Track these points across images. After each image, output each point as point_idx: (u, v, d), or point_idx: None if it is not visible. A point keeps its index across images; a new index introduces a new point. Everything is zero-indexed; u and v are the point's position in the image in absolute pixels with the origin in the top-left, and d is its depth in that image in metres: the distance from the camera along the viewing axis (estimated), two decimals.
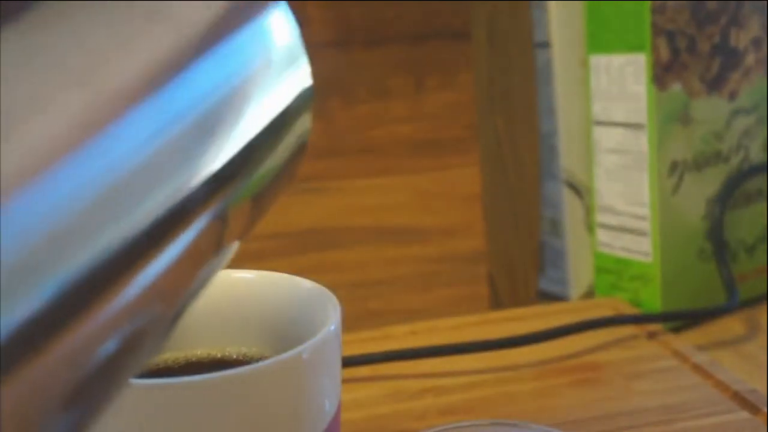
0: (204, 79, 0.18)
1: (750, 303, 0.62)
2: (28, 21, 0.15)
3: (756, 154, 0.63)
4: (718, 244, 0.60)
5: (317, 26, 0.66)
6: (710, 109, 0.60)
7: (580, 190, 0.65)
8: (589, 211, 0.65)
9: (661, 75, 0.58)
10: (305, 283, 0.35)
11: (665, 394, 0.47)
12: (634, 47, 0.58)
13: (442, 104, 0.69)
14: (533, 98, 0.66)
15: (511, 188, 0.70)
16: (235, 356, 0.35)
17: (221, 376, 0.28)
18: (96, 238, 0.14)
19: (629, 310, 0.60)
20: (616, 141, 0.61)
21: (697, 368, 0.50)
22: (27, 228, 0.13)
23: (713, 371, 0.49)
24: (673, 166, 0.59)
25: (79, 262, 0.13)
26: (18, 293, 0.12)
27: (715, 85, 0.60)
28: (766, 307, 0.62)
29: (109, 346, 0.14)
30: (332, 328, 0.31)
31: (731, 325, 0.59)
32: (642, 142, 0.59)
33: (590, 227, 0.65)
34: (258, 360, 0.33)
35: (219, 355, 0.35)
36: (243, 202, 0.20)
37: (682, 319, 0.58)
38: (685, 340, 0.55)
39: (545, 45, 0.64)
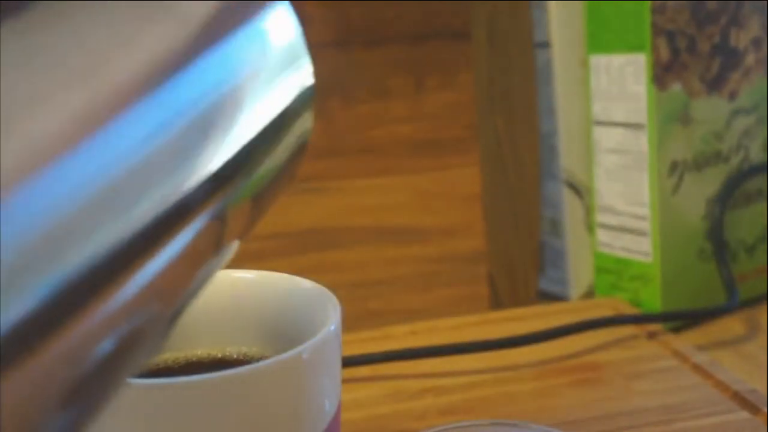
0: (204, 78, 0.18)
1: (750, 303, 0.62)
2: (28, 20, 0.15)
3: (756, 154, 0.63)
4: (718, 244, 0.60)
5: (317, 26, 0.66)
6: (710, 109, 0.60)
7: (580, 190, 0.65)
8: (589, 211, 0.65)
9: (661, 75, 0.58)
10: (305, 283, 0.35)
11: (665, 394, 0.47)
12: (634, 47, 0.58)
13: (442, 104, 0.69)
14: (533, 98, 0.66)
15: (511, 188, 0.70)
16: (235, 356, 0.35)
17: (221, 376, 0.28)
18: (94, 236, 0.14)
19: (629, 310, 0.60)
20: (616, 141, 0.61)
21: (697, 368, 0.50)
22: (25, 225, 0.13)
23: (713, 371, 0.49)
24: (673, 166, 0.59)
25: (76, 260, 0.13)
26: (15, 291, 0.12)
27: (715, 85, 0.60)
28: (766, 307, 0.62)
29: (107, 345, 0.14)
30: (332, 328, 0.31)
31: (731, 325, 0.59)
32: (642, 142, 0.59)
33: (590, 227, 0.65)
34: (258, 360, 0.33)
35: (219, 355, 0.35)
36: (243, 202, 0.20)
37: (682, 319, 0.58)
38: (685, 340, 0.55)
39: (545, 45, 0.64)
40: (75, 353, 0.13)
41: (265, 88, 0.21)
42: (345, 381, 0.34)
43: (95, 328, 0.14)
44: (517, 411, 0.47)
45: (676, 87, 0.58)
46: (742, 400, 0.46)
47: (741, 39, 0.61)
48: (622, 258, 0.62)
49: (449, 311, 0.69)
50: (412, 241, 0.70)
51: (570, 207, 0.65)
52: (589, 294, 0.65)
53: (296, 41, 0.23)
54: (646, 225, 0.60)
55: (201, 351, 0.36)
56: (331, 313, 0.32)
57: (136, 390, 0.27)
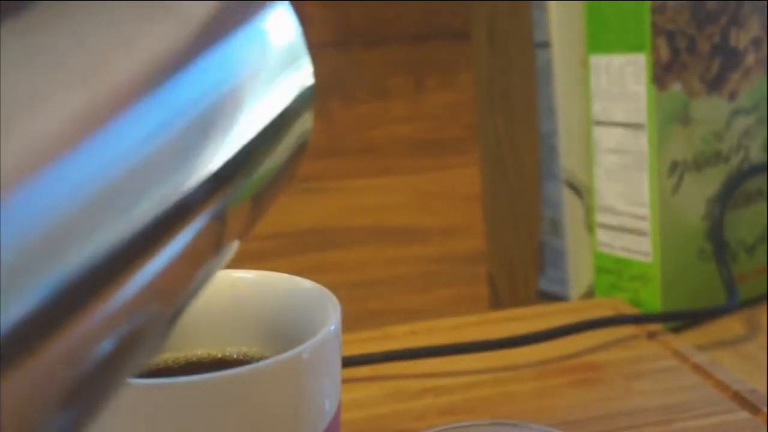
0: (204, 77, 0.18)
1: (750, 303, 0.62)
2: (28, 20, 0.15)
3: (756, 154, 0.63)
4: (718, 244, 0.60)
5: (317, 26, 0.66)
6: (710, 109, 0.60)
7: (580, 190, 0.65)
8: (589, 211, 0.65)
9: (661, 75, 0.58)
10: (305, 283, 0.35)
11: (665, 394, 0.47)
12: (634, 47, 0.58)
13: (442, 104, 0.69)
14: (533, 98, 0.66)
15: (511, 188, 0.70)
16: (235, 356, 0.35)
17: (221, 376, 0.28)
18: (94, 236, 0.14)
19: (629, 310, 0.60)
20: (616, 141, 0.61)
21: (697, 368, 0.50)
22: (25, 225, 0.13)
23: (713, 371, 0.49)
24: (673, 166, 0.59)
25: (76, 260, 0.13)
26: (15, 291, 0.12)
27: (715, 85, 0.60)
28: (766, 307, 0.62)
29: (107, 345, 0.14)
30: (332, 328, 0.31)
31: (731, 325, 0.59)
32: (642, 142, 0.59)
33: (590, 227, 0.65)
34: (258, 360, 0.33)
35: (219, 355, 0.35)
36: (243, 202, 0.20)
37: (682, 319, 0.58)
38: (685, 340, 0.55)
39: (545, 45, 0.64)
40: (75, 353, 0.13)
41: (265, 88, 0.21)
42: (345, 381, 0.34)
43: (95, 328, 0.14)
44: (517, 411, 0.47)
45: (676, 87, 0.58)
46: (742, 400, 0.46)
47: (741, 39, 0.61)
48: (622, 258, 0.62)
49: (449, 311, 0.69)
50: (412, 241, 0.70)
51: (570, 207, 0.65)
52: (589, 294, 0.65)
53: (296, 41, 0.23)
54: (646, 225, 0.60)
55: (201, 351, 0.36)
56: (331, 313, 0.32)
57: (136, 390, 0.27)
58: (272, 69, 0.22)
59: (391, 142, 0.69)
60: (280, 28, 0.22)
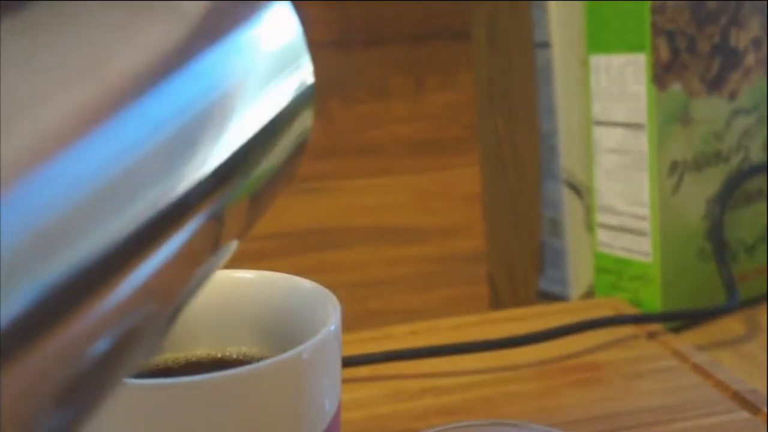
0: (203, 76, 0.18)
1: (750, 303, 0.62)
2: (26, 20, 0.15)
3: (756, 154, 0.63)
4: (718, 244, 0.60)
5: (317, 26, 0.66)
6: (710, 109, 0.60)
7: (580, 190, 0.65)
8: (589, 211, 0.65)
9: (661, 75, 0.58)
10: (305, 283, 0.35)
11: (665, 394, 0.47)
12: (634, 47, 0.58)
13: (442, 104, 0.69)
14: (533, 98, 0.66)
15: (511, 188, 0.70)
16: (235, 356, 0.35)
17: (221, 376, 0.28)
18: (90, 235, 0.14)
19: (629, 310, 0.60)
20: (616, 141, 0.61)
21: (697, 368, 0.50)
22: (21, 224, 0.13)
23: (713, 371, 0.49)
24: (673, 166, 0.59)
25: (72, 258, 0.13)
26: (10, 289, 0.12)
27: (715, 85, 0.60)
28: (766, 307, 0.62)
29: (103, 343, 0.14)
30: (332, 328, 0.31)
31: (731, 325, 0.59)
32: (642, 142, 0.59)
33: (590, 227, 0.65)
34: (258, 360, 0.33)
35: (219, 355, 0.35)
36: (241, 201, 0.20)
37: (682, 319, 0.58)
38: (685, 340, 0.55)
39: (545, 45, 0.64)
40: (70, 351, 0.13)
41: (264, 87, 0.21)
42: (345, 381, 0.34)
43: (91, 326, 0.14)
44: (517, 411, 0.47)
45: (676, 87, 0.58)
46: (742, 400, 0.46)
47: (741, 39, 0.61)
48: (622, 258, 0.62)
49: (449, 311, 0.69)
50: (412, 241, 0.70)
51: (570, 207, 0.65)
52: (589, 294, 0.65)
53: (297, 40, 0.23)
54: (646, 225, 0.60)
55: (201, 351, 0.36)
56: (331, 313, 0.32)
57: (136, 390, 0.27)
58: (272, 68, 0.22)
59: (391, 142, 0.69)
60: (280, 28, 0.22)
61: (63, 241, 0.13)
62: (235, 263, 0.35)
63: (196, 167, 0.17)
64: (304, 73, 0.24)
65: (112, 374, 0.15)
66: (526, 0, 0.65)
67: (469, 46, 0.69)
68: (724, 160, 0.61)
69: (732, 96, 0.61)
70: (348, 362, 0.49)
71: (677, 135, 0.59)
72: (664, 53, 0.58)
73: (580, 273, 0.65)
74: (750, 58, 0.61)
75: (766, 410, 0.45)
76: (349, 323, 0.39)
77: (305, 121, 0.24)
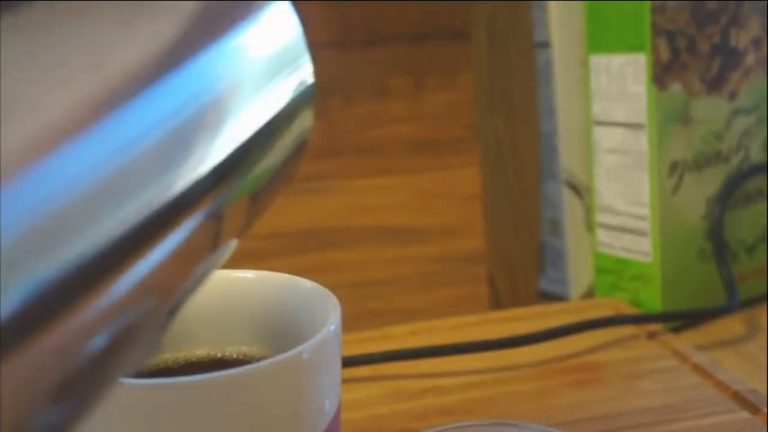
0: (203, 75, 0.18)
1: (750, 303, 0.62)
2: (26, 19, 0.15)
3: (756, 154, 0.63)
4: (718, 244, 0.60)
5: (317, 26, 0.66)
6: (710, 109, 0.60)
7: (580, 190, 0.65)
8: (589, 211, 0.65)
9: (661, 75, 0.58)
10: (305, 283, 0.35)
11: (665, 394, 0.47)
12: (634, 47, 0.58)
13: (442, 104, 0.69)
14: (533, 98, 0.66)
15: (511, 188, 0.70)
16: (235, 356, 0.35)
17: (221, 376, 0.28)
18: (88, 230, 0.14)
19: (629, 310, 0.60)
20: (616, 141, 0.61)
21: (697, 368, 0.50)
22: (21, 218, 0.13)
23: (713, 371, 0.49)
24: (673, 166, 0.59)
25: (70, 254, 0.13)
26: (10, 282, 0.12)
27: (715, 85, 0.60)
28: (766, 307, 0.62)
29: (101, 339, 0.14)
30: (332, 328, 0.31)
31: (731, 325, 0.59)
32: (642, 142, 0.59)
33: (590, 227, 0.65)
34: (258, 360, 0.33)
35: (219, 355, 0.35)
36: (240, 200, 0.20)
37: (682, 319, 0.58)
38: (685, 340, 0.55)
39: (545, 45, 0.64)
40: (68, 346, 0.13)
41: (264, 87, 0.21)
42: (345, 381, 0.34)
43: (89, 321, 0.14)
44: (517, 411, 0.47)
45: (676, 87, 0.58)
46: (742, 400, 0.46)
47: (741, 39, 0.61)
48: (622, 258, 0.62)
49: (449, 311, 0.69)
50: (412, 241, 0.70)
51: (570, 207, 0.65)
52: (589, 294, 0.65)
53: (297, 40, 0.23)
54: (646, 225, 0.60)
55: (201, 351, 0.36)
56: (331, 313, 0.32)
57: (136, 390, 0.27)
58: (272, 68, 0.22)
59: (391, 142, 0.69)
60: (280, 27, 0.22)
61: (62, 235, 0.13)
62: (235, 263, 0.35)
63: (194, 165, 0.17)
64: (304, 73, 0.24)
65: (109, 371, 0.15)
66: (526, 0, 0.65)
67: (469, 46, 0.69)
68: (724, 160, 0.61)
69: (732, 96, 0.61)
70: (348, 362, 0.49)
71: (677, 135, 0.59)
72: (664, 53, 0.58)
73: (580, 273, 0.65)
74: (750, 58, 0.61)
75: (766, 410, 0.45)
76: (349, 323, 0.39)
77: (305, 121, 0.24)
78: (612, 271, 0.63)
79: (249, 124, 0.20)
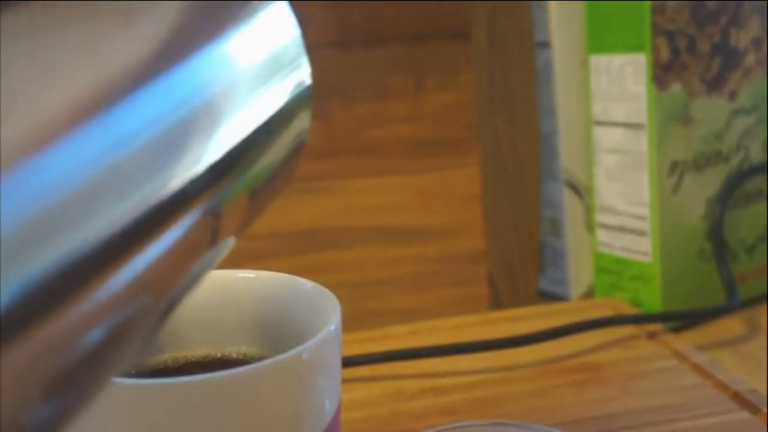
0: (200, 74, 0.18)
1: (750, 303, 0.62)
2: (26, 18, 0.15)
3: (756, 154, 0.63)
4: (718, 244, 0.60)
5: (317, 26, 0.66)
6: (710, 109, 0.60)
7: (580, 190, 0.65)
8: (589, 211, 0.65)
9: (661, 75, 0.58)
10: (305, 283, 0.35)
11: (665, 394, 0.47)
12: (634, 47, 0.58)
13: (442, 104, 0.69)
14: (533, 98, 0.66)
15: (511, 188, 0.70)
16: (235, 356, 0.35)
17: (221, 376, 0.28)
18: (86, 224, 0.14)
19: (629, 310, 0.60)
20: (616, 141, 0.61)
21: (697, 368, 0.50)
22: (19, 211, 0.13)
23: (713, 371, 0.49)
24: (673, 166, 0.59)
25: (64, 249, 0.13)
26: (10, 273, 0.12)
27: (715, 85, 0.60)
28: (766, 307, 0.62)
29: (96, 334, 0.14)
30: (332, 328, 0.31)
31: (731, 325, 0.59)
32: (642, 142, 0.59)
33: (590, 227, 0.65)
34: (258, 360, 0.33)
35: (219, 355, 0.35)
36: (238, 199, 0.20)
37: (682, 319, 0.58)
38: (685, 340, 0.55)
39: (545, 45, 0.64)
40: (63, 340, 0.13)
41: (261, 86, 0.21)
42: (345, 381, 0.34)
43: (85, 316, 0.14)
44: (517, 411, 0.47)
45: (676, 87, 0.58)
46: (742, 400, 0.46)
47: (741, 39, 0.61)
48: (622, 258, 0.62)
49: (449, 311, 0.68)
50: (412, 241, 0.70)
51: (570, 207, 0.65)
52: (589, 294, 0.65)
53: (295, 41, 0.23)
54: (646, 225, 0.60)
55: (201, 351, 0.36)
56: (331, 313, 0.32)
57: (136, 390, 0.27)
58: (269, 68, 0.22)
59: (391, 142, 0.69)
60: (278, 27, 0.22)
61: (61, 229, 0.13)
62: (235, 263, 0.35)
63: (192, 162, 0.17)
64: (302, 74, 0.24)
65: (103, 367, 0.15)
66: (526, 0, 0.65)
67: (469, 46, 0.69)
68: (724, 160, 0.61)
69: (732, 96, 0.61)
70: (348, 362, 0.49)
71: (677, 135, 0.59)
72: (664, 53, 0.58)
73: (580, 273, 0.65)
74: (750, 58, 0.61)
75: (766, 410, 0.45)
76: (349, 323, 0.39)
77: (302, 121, 0.24)
78: (612, 271, 0.63)
79: (246, 123, 0.20)
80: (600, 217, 0.63)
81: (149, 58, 0.17)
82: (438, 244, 0.70)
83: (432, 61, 0.69)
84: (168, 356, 0.35)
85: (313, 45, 0.66)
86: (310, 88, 0.24)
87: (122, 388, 0.27)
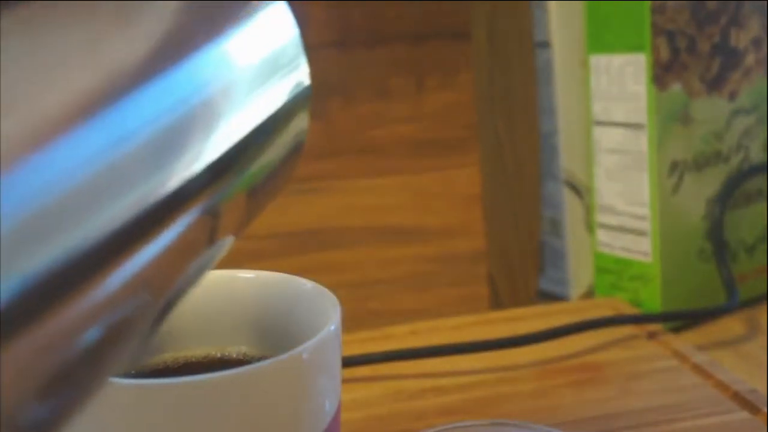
0: (198, 74, 0.18)
1: (750, 303, 0.62)
2: (26, 18, 0.15)
3: (756, 154, 0.63)
4: (718, 244, 0.60)
5: (318, 26, 0.66)
6: (710, 109, 0.60)
7: (580, 190, 0.65)
8: (589, 211, 0.65)
9: (661, 75, 0.58)
10: (305, 283, 0.35)
11: (665, 394, 0.47)
12: (634, 47, 0.58)
13: (442, 104, 0.69)
14: (533, 98, 0.66)
15: (511, 188, 0.70)
16: (235, 356, 0.35)
17: (221, 376, 0.28)
18: (83, 222, 0.14)
19: (629, 310, 0.60)
20: (616, 141, 0.61)
21: (697, 368, 0.50)
22: (20, 207, 0.13)
23: (713, 371, 0.49)
24: (673, 166, 0.59)
25: (64, 246, 0.13)
26: (11, 269, 0.12)
27: (715, 85, 0.60)
28: (766, 307, 0.62)
29: (94, 332, 0.14)
30: (332, 328, 0.31)
31: (731, 325, 0.59)
32: (642, 142, 0.59)
33: (590, 227, 0.65)
34: (258, 360, 0.33)
35: (219, 355, 0.35)
36: (236, 198, 0.20)
37: (682, 319, 0.58)
38: (685, 340, 0.55)
39: (545, 45, 0.64)
40: (61, 339, 0.13)
41: (260, 86, 0.21)
42: (345, 381, 0.34)
43: (83, 314, 0.14)
44: (517, 411, 0.47)
45: (676, 87, 0.58)
46: (742, 400, 0.46)
47: (741, 39, 0.61)
48: (622, 258, 0.62)
49: (449, 311, 0.69)
50: (411, 241, 0.70)
51: (570, 207, 0.65)
52: (589, 294, 0.65)
53: (293, 41, 0.23)
54: (646, 225, 0.60)
55: (201, 351, 0.36)
56: (331, 313, 0.32)
57: (136, 390, 0.27)
58: (268, 68, 0.22)
59: (391, 142, 0.69)
60: (277, 27, 0.22)
61: (60, 226, 0.13)
62: (234, 263, 0.35)
63: (190, 161, 0.17)
64: (301, 74, 0.24)
65: (101, 365, 0.15)
66: (526, 0, 0.65)
67: (469, 46, 0.69)
68: (724, 160, 0.61)
69: (732, 96, 0.61)
70: (348, 362, 0.49)
71: (677, 135, 0.59)
72: (664, 53, 0.58)
73: (580, 273, 0.65)
74: (750, 58, 0.61)
75: (766, 410, 0.45)
76: (349, 323, 0.39)
77: (301, 121, 0.24)
78: (612, 271, 0.63)
79: (244, 123, 0.20)
80: (600, 217, 0.63)
81: (148, 57, 0.17)
82: (438, 244, 0.70)
83: (432, 61, 0.69)
84: (168, 356, 0.35)
85: (313, 45, 0.66)
86: (308, 88, 0.24)
87: (122, 388, 0.27)
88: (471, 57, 0.69)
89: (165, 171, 0.16)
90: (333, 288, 0.34)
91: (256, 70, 0.21)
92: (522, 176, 0.69)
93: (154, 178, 0.16)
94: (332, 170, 0.68)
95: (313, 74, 0.25)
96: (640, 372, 0.50)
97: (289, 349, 0.29)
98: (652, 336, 0.55)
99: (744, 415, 0.45)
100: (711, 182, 0.61)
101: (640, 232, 0.60)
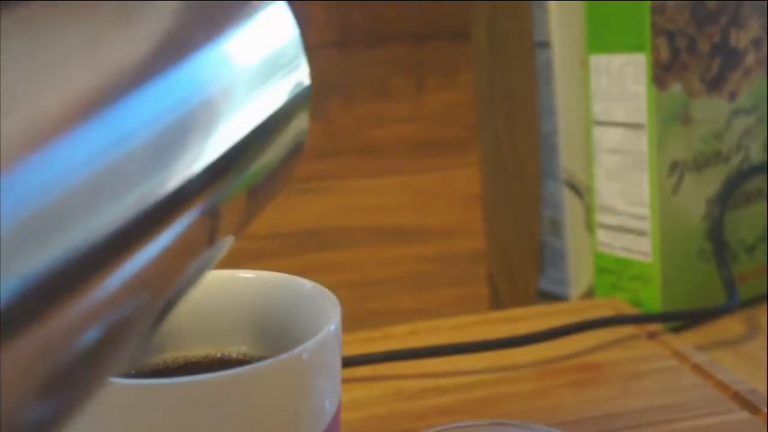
0: (198, 74, 0.18)
1: (750, 303, 0.62)
2: (26, 17, 0.15)
3: (756, 154, 0.63)
4: (718, 244, 0.60)
5: (318, 26, 0.66)
6: (710, 109, 0.60)
7: (580, 190, 0.65)
8: (589, 211, 0.65)
9: (661, 75, 0.58)
10: (305, 283, 0.35)
11: (665, 394, 0.47)
12: (634, 47, 0.58)
13: (442, 104, 0.69)
14: (533, 98, 0.66)
15: (511, 188, 0.70)
16: (235, 356, 0.35)
17: (221, 376, 0.28)
18: (83, 222, 0.14)
19: (629, 310, 0.60)
20: (616, 141, 0.61)
21: (697, 368, 0.50)
22: (20, 207, 0.13)
23: (713, 371, 0.49)
24: (673, 166, 0.59)
25: (64, 246, 0.13)
26: (11, 269, 0.12)
27: (715, 85, 0.60)
28: (766, 307, 0.62)
29: (94, 332, 0.14)
30: (332, 328, 0.31)
31: (731, 325, 0.59)
32: (642, 142, 0.59)
33: (590, 227, 0.65)
34: (258, 360, 0.33)
35: (219, 355, 0.35)
36: (236, 198, 0.20)
37: (682, 319, 0.58)
38: (685, 340, 0.55)
39: (545, 45, 0.64)
40: (61, 339, 0.13)
41: (260, 86, 0.21)
42: (345, 381, 0.34)
43: (83, 314, 0.14)
44: (517, 411, 0.47)
45: (676, 87, 0.58)
46: (742, 400, 0.46)
47: (741, 39, 0.61)
48: (622, 258, 0.62)
49: (449, 311, 0.69)
50: (411, 241, 0.70)
51: (570, 207, 0.65)
52: (589, 294, 0.65)
53: (293, 41, 0.23)
54: (646, 225, 0.60)
55: (201, 351, 0.36)
56: (331, 313, 0.32)
57: (136, 390, 0.27)
58: (268, 68, 0.22)
59: (391, 142, 0.69)
60: (277, 28, 0.22)
61: (59, 227, 0.13)
62: (234, 263, 0.35)
63: (191, 161, 0.17)
64: (301, 74, 0.24)
65: (101, 365, 0.15)
66: (526, 0, 0.65)
67: (469, 46, 0.69)
68: (724, 160, 0.61)
69: (732, 96, 0.61)
70: (348, 362, 0.49)
71: (677, 135, 0.59)
72: (664, 53, 0.58)
73: (580, 273, 0.65)
74: (750, 58, 0.61)
75: (766, 410, 0.45)
76: (349, 323, 0.39)
77: (301, 122, 0.24)
78: (612, 271, 0.63)
79: (244, 123, 0.20)
80: (600, 217, 0.63)
81: (148, 57, 0.17)
82: (438, 244, 0.70)
83: (432, 61, 0.69)
84: (168, 356, 0.35)
85: (313, 45, 0.66)
86: (308, 88, 0.24)
87: (122, 388, 0.27)
88: (471, 57, 0.69)
89: (165, 171, 0.16)
90: (333, 288, 0.34)
91: (256, 70, 0.21)
92: (522, 176, 0.69)
93: (154, 178, 0.16)
94: (332, 170, 0.68)
95: (313, 74, 0.25)
96: (640, 372, 0.50)
97: (289, 349, 0.29)
98: (652, 336, 0.55)
99: (744, 415, 0.45)
100: (711, 182, 0.61)
101: (640, 232, 0.60)
